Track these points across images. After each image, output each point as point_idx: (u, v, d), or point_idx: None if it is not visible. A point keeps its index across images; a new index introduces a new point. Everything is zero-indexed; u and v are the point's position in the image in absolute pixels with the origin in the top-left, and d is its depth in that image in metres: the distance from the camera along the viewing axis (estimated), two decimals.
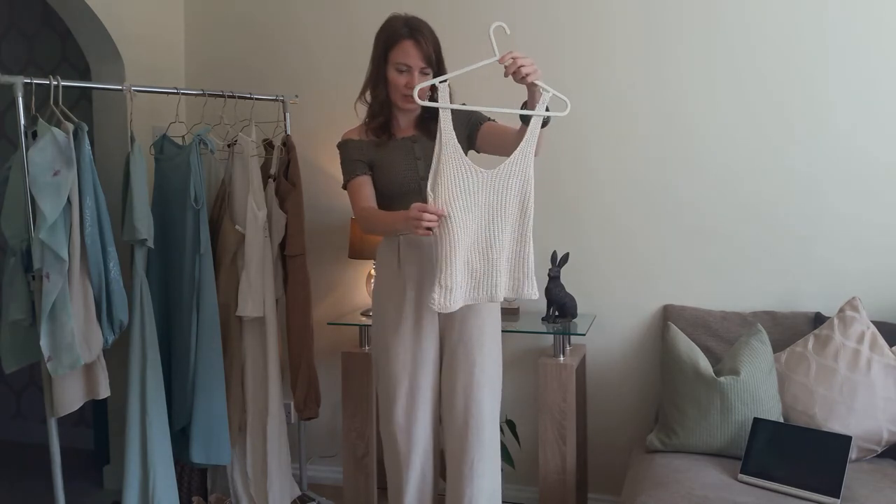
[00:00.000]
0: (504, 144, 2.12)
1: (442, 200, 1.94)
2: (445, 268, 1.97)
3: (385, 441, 2.30)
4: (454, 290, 1.98)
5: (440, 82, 1.93)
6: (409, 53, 2.12)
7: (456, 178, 1.96)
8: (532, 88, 1.96)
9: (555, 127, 2.92)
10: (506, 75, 1.92)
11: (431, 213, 1.92)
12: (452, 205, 1.95)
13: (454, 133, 1.95)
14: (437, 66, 2.16)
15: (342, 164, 2.27)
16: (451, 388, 2.21)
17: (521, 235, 2.06)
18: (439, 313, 2.19)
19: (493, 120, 2.25)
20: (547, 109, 1.99)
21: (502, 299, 2.07)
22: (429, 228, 1.93)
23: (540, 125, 1.99)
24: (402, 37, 2.13)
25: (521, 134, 2.02)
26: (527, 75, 1.90)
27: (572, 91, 2.91)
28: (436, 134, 2.04)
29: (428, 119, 2.23)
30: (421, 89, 1.92)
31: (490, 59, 1.91)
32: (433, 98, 1.96)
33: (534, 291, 2.07)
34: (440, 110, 1.93)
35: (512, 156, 2.00)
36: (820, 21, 2.68)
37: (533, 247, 2.06)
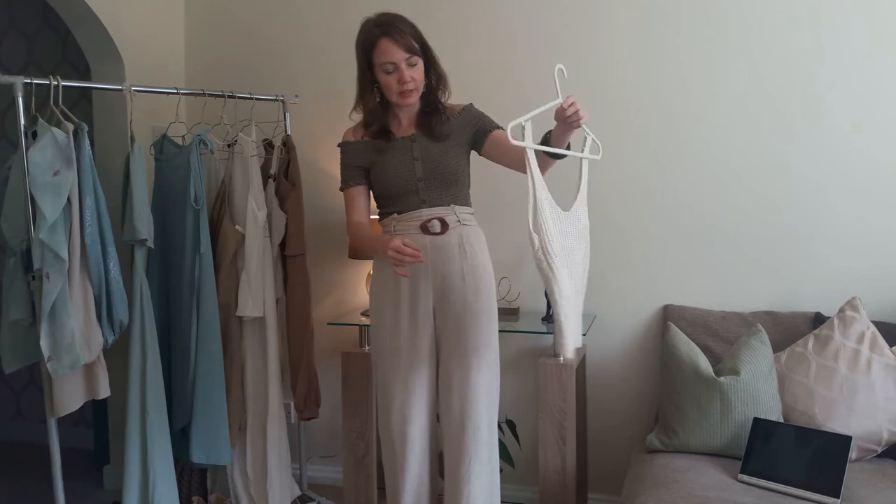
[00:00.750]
0: (506, 156, 2.12)
1: (546, 240, 1.81)
2: (564, 312, 1.86)
3: (382, 440, 2.31)
4: (577, 332, 1.91)
5: (524, 121, 1.81)
6: (389, 51, 2.10)
7: (551, 216, 1.86)
8: (570, 130, 1.91)
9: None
10: (557, 118, 1.87)
11: (410, 253, 1.96)
12: (552, 245, 1.83)
13: (539, 172, 1.84)
14: (423, 51, 2.14)
15: (341, 166, 2.29)
16: (447, 390, 2.22)
17: (585, 278, 2.02)
18: (434, 313, 2.20)
19: (502, 128, 2.22)
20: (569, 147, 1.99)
21: (578, 346, 1.94)
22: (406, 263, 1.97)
23: (587, 166, 2.03)
24: (377, 37, 2.11)
25: (545, 164, 1.96)
26: (579, 119, 1.85)
27: (571, 90, 2.92)
28: (435, 131, 2.04)
29: (428, 115, 2.22)
30: (513, 129, 1.76)
31: (555, 102, 1.87)
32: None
33: (578, 340, 1.93)
34: (527, 151, 1.81)
35: (577, 200, 2.00)
36: (819, 20, 2.68)
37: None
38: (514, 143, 1.77)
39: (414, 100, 2.17)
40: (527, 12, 2.96)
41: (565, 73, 1.90)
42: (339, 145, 2.29)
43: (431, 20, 2.20)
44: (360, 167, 2.25)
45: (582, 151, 2.01)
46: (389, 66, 2.11)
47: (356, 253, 2.98)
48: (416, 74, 2.13)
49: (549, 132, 1.97)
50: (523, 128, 1.81)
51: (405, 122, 2.25)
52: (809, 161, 2.72)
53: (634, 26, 2.86)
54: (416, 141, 2.21)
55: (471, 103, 2.29)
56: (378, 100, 2.22)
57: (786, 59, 2.72)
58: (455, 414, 2.20)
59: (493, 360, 2.25)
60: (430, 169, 2.17)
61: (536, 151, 1.86)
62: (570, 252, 1.91)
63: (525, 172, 1.82)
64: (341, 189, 2.31)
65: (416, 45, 2.12)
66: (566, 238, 1.90)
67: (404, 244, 1.98)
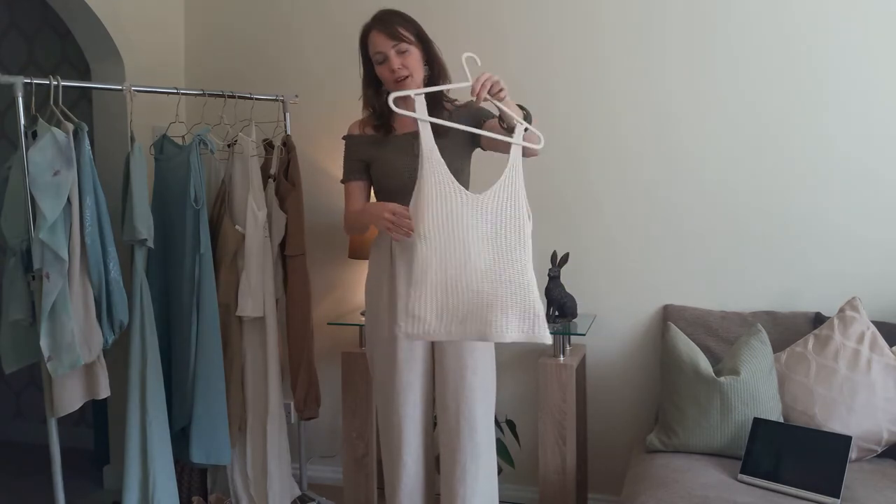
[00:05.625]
0: (502, 144, 2.11)
1: (420, 221, 1.81)
2: (414, 293, 1.81)
3: (380, 439, 2.32)
4: (425, 320, 1.81)
5: (416, 94, 1.91)
6: (376, 42, 2.13)
7: (438, 195, 1.82)
8: (504, 107, 1.94)
9: (554, 127, 2.95)
10: (475, 94, 1.90)
11: (401, 219, 1.95)
12: (430, 227, 1.80)
13: (435, 146, 1.87)
14: (420, 43, 2.15)
15: (343, 159, 2.28)
16: (442, 391, 2.22)
17: (522, 268, 1.83)
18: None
19: (495, 116, 2.23)
20: (526, 130, 1.96)
21: (496, 341, 1.84)
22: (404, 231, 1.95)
23: (520, 152, 1.92)
24: (368, 30, 2.16)
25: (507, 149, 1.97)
26: (501, 90, 1.91)
27: (571, 92, 2.94)
28: (440, 127, 2.03)
29: (431, 108, 2.19)
30: (395, 99, 1.86)
31: (463, 84, 1.93)
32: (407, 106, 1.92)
33: (545, 335, 1.83)
34: (419, 123, 1.88)
35: (500, 181, 1.87)
36: (815, 26, 2.68)
37: (536, 283, 1.85)
38: (398, 111, 1.86)
39: (410, 88, 2.14)
40: (519, 21, 2.97)
41: (478, 61, 1.93)
42: (344, 138, 2.29)
43: (422, 22, 2.20)
44: (362, 161, 2.24)
45: (521, 138, 1.94)
46: (379, 55, 2.13)
47: (356, 253, 2.98)
48: (407, 61, 2.12)
49: (499, 117, 2.00)
50: (414, 99, 1.89)
51: (408, 117, 2.23)
52: (810, 161, 2.72)
53: (635, 27, 2.86)
54: (418, 138, 2.19)
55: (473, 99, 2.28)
56: (384, 97, 2.21)
57: (786, 59, 2.72)
58: (450, 414, 2.20)
59: (489, 360, 2.24)
60: None
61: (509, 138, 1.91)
62: (461, 239, 1.81)
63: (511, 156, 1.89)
64: (342, 181, 2.30)
65: (406, 34, 2.12)
66: (458, 223, 1.81)
67: (402, 209, 1.97)
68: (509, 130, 1.95)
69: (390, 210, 2.01)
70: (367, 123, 2.28)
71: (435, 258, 1.81)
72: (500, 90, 1.91)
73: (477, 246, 1.82)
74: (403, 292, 1.95)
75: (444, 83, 2.21)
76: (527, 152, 1.97)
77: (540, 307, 1.84)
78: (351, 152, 2.27)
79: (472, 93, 1.91)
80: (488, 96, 1.91)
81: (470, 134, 2.16)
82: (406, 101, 1.95)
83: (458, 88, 2.00)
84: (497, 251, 1.83)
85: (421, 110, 1.89)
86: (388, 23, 2.13)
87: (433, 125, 1.93)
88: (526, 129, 1.93)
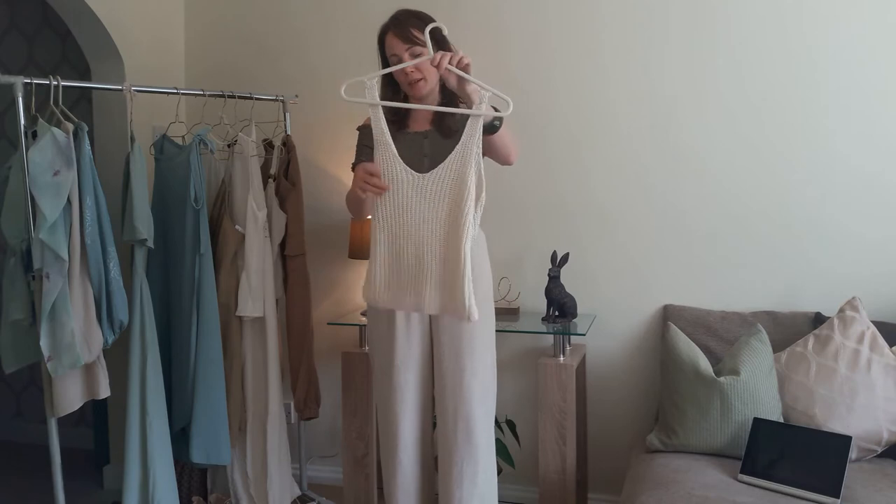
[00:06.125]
0: (490, 151, 2.12)
1: (375, 203, 2.00)
2: (370, 266, 2.04)
3: (379, 437, 2.34)
4: (376, 290, 2.04)
5: (368, 79, 1.99)
6: (391, 44, 2.13)
7: (386, 176, 1.99)
8: (466, 89, 1.97)
9: (555, 127, 2.95)
10: (435, 64, 1.95)
11: (374, 178, 1.99)
12: (382, 205, 2.00)
13: (386, 129, 2.00)
14: (437, 45, 2.10)
15: (356, 147, 2.28)
16: (441, 392, 2.22)
17: (455, 248, 1.93)
18: (430, 314, 2.19)
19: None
20: (496, 111, 2.00)
21: (426, 313, 2.04)
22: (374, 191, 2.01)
23: (479, 127, 1.94)
24: (385, 32, 2.16)
25: (488, 143, 2.01)
26: (466, 65, 1.95)
27: (571, 93, 2.94)
28: (450, 130, 2.04)
29: (445, 114, 2.18)
30: (347, 88, 1.94)
31: (425, 58, 2.00)
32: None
33: (470, 313, 1.93)
34: (370, 109, 1.99)
35: (447, 159, 1.97)
36: (815, 26, 2.68)
37: (470, 261, 1.93)
38: (348, 99, 1.95)
39: (424, 90, 2.15)
40: (519, 24, 2.97)
41: (445, 30, 1.99)
42: (358, 128, 2.28)
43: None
44: (371, 148, 2.22)
45: (482, 109, 1.97)
46: (394, 58, 2.13)
47: (356, 253, 2.98)
48: (421, 65, 2.11)
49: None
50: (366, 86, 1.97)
51: (422, 116, 2.22)
52: (810, 161, 2.72)
53: (635, 26, 2.86)
54: (428, 137, 2.17)
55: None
56: (403, 95, 2.21)
57: (787, 59, 2.72)
58: (449, 415, 2.20)
59: (489, 363, 2.24)
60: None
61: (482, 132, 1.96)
62: (403, 216, 1.99)
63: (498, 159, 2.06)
64: (353, 167, 2.25)
65: (421, 37, 2.08)
66: (401, 202, 1.99)
67: (372, 167, 2.02)
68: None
69: (364, 168, 2.03)
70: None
71: (382, 235, 2.02)
72: (466, 64, 1.95)
73: (417, 224, 1.99)
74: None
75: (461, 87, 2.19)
76: (499, 158, 2.05)
77: (466, 285, 1.92)
78: (364, 139, 2.25)
79: (433, 63, 1.96)
80: (450, 67, 1.94)
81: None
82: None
83: (420, 62, 2.05)
84: (433, 228, 1.98)
85: (371, 95, 1.99)
86: (404, 25, 2.12)
87: (444, 125, 2.07)
88: (495, 113, 1.98)
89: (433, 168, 1.99)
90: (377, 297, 2.05)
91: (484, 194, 1.95)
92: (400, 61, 2.11)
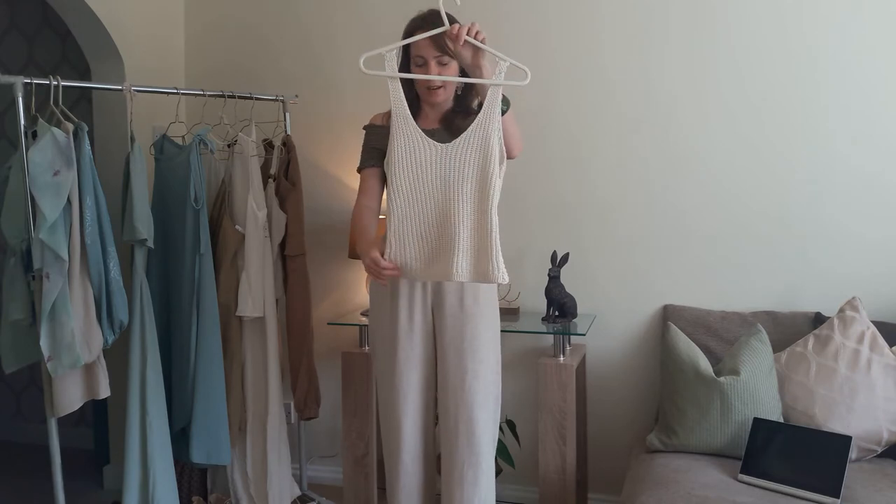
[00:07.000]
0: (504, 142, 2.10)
1: (391, 175, 2.00)
2: (395, 243, 2.02)
3: (381, 436, 2.33)
4: (406, 265, 2.03)
5: (387, 51, 1.98)
6: (420, 45, 2.08)
7: (406, 149, 1.99)
8: (481, 60, 1.99)
9: (555, 127, 2.95)
10: (453, 36, 1.96)
11: (384, 268, 1.99)
12: (400, 178, 1.99)
13: (405, 102, 2.00)
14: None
15: (362, 148, 2.26)
16: (443, 393, 2.22)
17: (483, 213, 1.97)
18: (433, 313, 2.19)
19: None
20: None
21: (464, 281, 2.01)
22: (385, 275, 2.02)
23: (499, 97, 1.97)
24: (415, 30, 2.09)
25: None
26: (477, 34, 1.97)
27: (571, 93, 2.94)
28: (458, 129, 2.03)
29: (454, 114, 2.18)
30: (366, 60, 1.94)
31: (440, 29, 2.00)
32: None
33: (500, 275, 1.97)
34: (389, 82, 1.98)
35: (469, 128, 1.99)
36: (815, 26, 2.68)
37: (498, 227, 1.98)
38: (367, 71, 1.94)
39: (441, 99, 2.14)
40: (521, 21, 2.96)
41: (457, 1, 1.98)
42: (364, 128, 2.27)
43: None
44: (378, 149, 2.20)
45: (501, 78, 1.99)
46: (419, 59, 2.10)
47: (356, 253, 2.97)
48: (444, 73, 2.09)
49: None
50: (384, 58, 1.97)
51: (432, 116, 2.21)
52: (810, 161, 2.72)
53: (636, 27, 2.86)
54: (435, 135, 2.15)
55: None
56: (414, 93, 2.18)
57: (787, 59, 2.72)
58: (451, 417, 2.20)
59: (493, 366, 2.23)
60: None
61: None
62: (428, 188, 2.00)
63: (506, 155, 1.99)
64: (358, 170, 2.26)
65: (450, 47, 2.05)
66: (425, 173, 1.99)
67: (381, 262, 2.00)
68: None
69: (371, 259, 2.01)
70: (389, 116, 2.25)
71: (408, 208, 2.01)
72: (483, 38, 1.97)
73: (444, 193, 1.99)
74: (388, 242, 2.05)
75: (475, 96, 2.18)
76: (505, 144, 2.01)
77: (497, 251, 1.96)
78: (370, 140, 2.24)
79: (451, 35, 1.96)
80: (468, 38, 1.96)
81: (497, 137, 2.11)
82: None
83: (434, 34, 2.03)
84: (459, 195, 1.98)
85: (391, 67, 1.99)
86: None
87: (454, 125, 2.08)
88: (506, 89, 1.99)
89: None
90: (410, 272, 2.05)
91: (505, 164, 2.00)
92: (425, 64, 2.09)
